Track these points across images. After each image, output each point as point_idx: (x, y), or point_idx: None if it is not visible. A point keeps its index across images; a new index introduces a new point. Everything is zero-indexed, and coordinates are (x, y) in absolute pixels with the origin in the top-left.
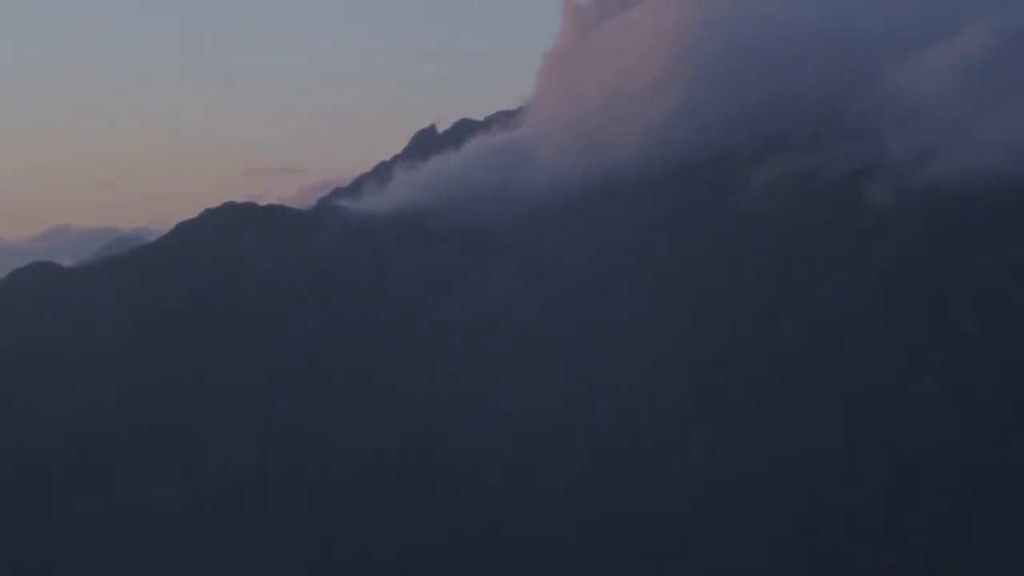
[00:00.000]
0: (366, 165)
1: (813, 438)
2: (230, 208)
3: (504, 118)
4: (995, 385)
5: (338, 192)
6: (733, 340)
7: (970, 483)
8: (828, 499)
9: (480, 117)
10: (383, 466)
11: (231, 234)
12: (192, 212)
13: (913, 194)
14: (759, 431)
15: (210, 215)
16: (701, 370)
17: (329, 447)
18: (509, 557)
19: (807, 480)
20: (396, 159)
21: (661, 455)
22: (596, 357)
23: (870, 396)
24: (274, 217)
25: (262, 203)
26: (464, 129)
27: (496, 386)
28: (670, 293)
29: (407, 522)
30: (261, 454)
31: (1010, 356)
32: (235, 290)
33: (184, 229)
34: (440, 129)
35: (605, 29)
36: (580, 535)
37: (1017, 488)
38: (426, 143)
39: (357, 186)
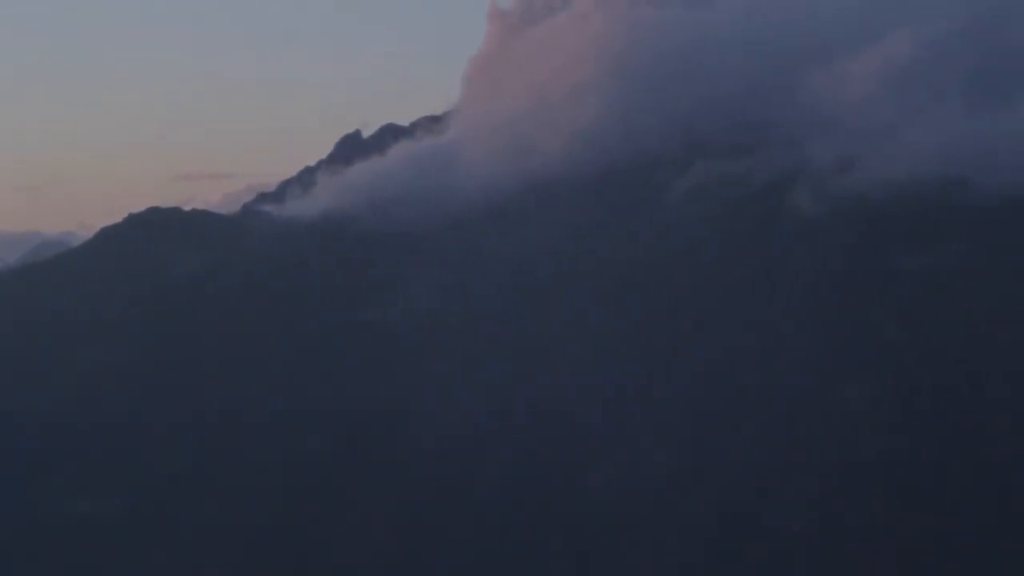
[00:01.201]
0: (291, 170)
1: (738, 443)
2: (155, 213)
3: (429, 123)
4: (919, 390)
5: (263, 197)
6: (658, 345)
7: (895, 486)
8: (753, 503)
9: (406, 122)
10: (311, 470)
11: (155, 239)
12: (117, 217)
13: (836, 200)
14: (684, 436)
15: (135, 220)
16: (626, 375)
17: (259, 452)
18: (438, 560)
19: (732, 485)
20: (321, 164)
21: (587, 459)
22: (522, 361)
23: (795, 401)
24: (198, 222)
25: (187, 208)
26: (389, 134)
27: (422, 391)
28: (596, 298)
29: (339, 526)
30: (192, 461)
31: (934, 361)
32: (159, 295)
33: (108, 234)
34: (365, 134)
35: (530, 34)
36: (507, 538)
37: (941, 490)
38: (351, 148)
39: (282, 191)
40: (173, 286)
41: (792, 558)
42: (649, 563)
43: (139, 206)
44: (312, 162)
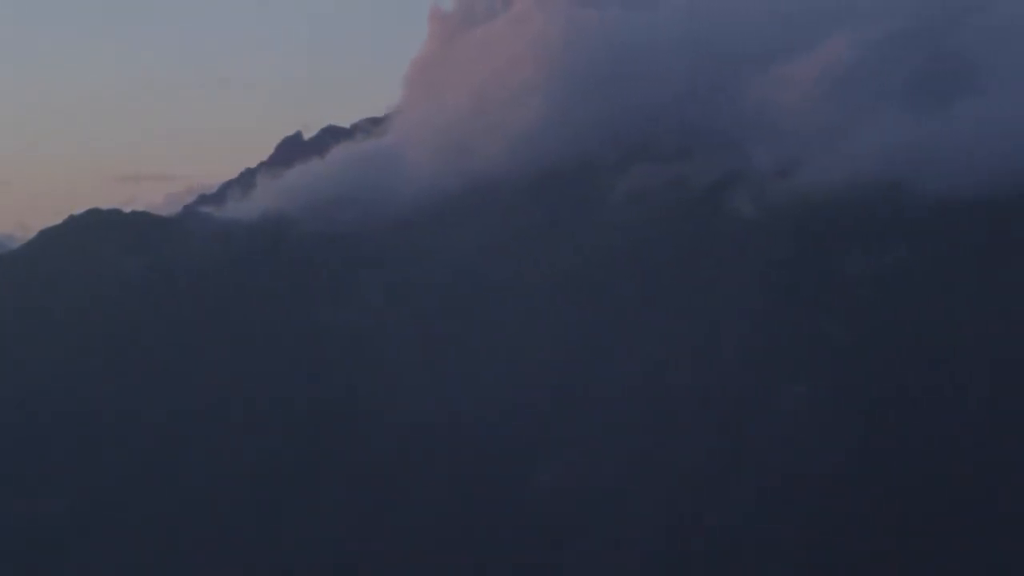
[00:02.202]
0: (233, 172)
1: (681, 444)
2: (95, 214)
3: (370, 125)
4: (860, 390)
5: (204, 199)
6: (601, 346)
7: (838, 487)
8: (697, 505)
9: (347, 124)
10: (257, 471)
11: (96, 241)
12: (57, 219)
13: (777, 204)
14: (629, 437)
15: (74, 222)
16: (570, 375)
17: (203, 453)
18: (385, 560)
19: (675, 487)
20: (261, 166)
21: (534, 460)
22: (462, 363)
23: (737, 402)
24: (139, 224)
25: (127, 210)
26: (330, 136)
27: (362, 393)
28: (536, 299)
29: (287, 526)
30: (131, 464)
31: (875, 362)
32: (99, 297)
33: (48, 236)
34: (306, 136)
35: (471, 36)
36: (456, 537)
37: (884, 490)
38: (292, 150)
39: (222, 193)
40: (114, 288)
41: (736, 558)
42: (594, 563)
43: (79, 207)
44: (253, 164)
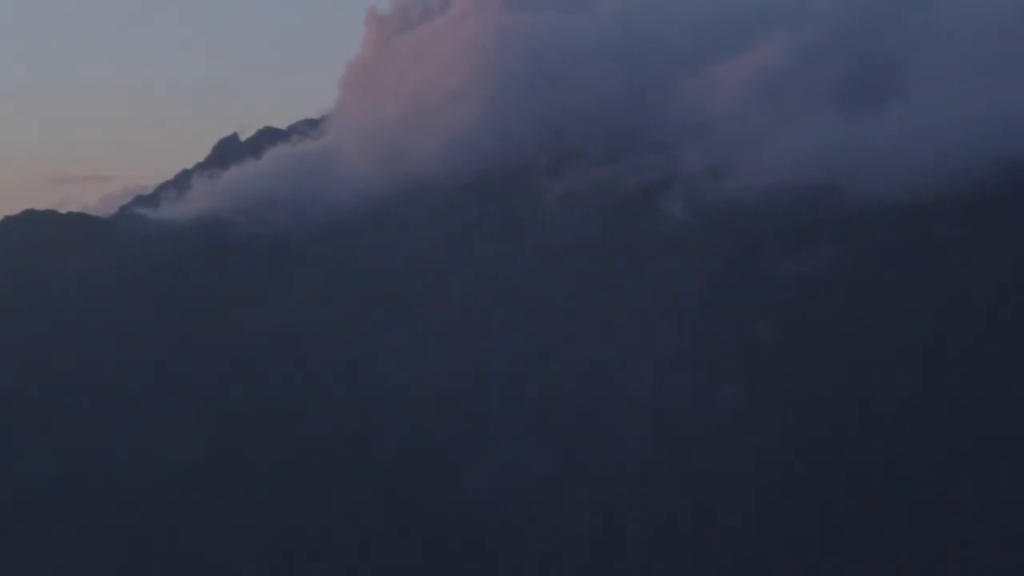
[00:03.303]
0: (171, 173)
1: (613, 446)
2: (30, 215)
3: (306, 127)
4: (792, 391)
5: (140, 200)
6: (533, 348)
7: (768, 490)
8: (628, 507)
9: (283, 126)
10: (182, 472)
11: (31, 242)
12: None
13: (709, 206)
14: (560, 439)
15: (9, 223)
16: (502, 377)
17: (130, 455)
18: (311, 563)
19: (606, 488)
20: (197, 167)
21: (464, 462)
22: (395, 365)
23: (669, 403)
24: (74, 225)
25: (63, 211)
26: (266, 137)
27: (294, 395)
28: (469, 302)
29: (209, 529)
30: (61, 465)
31: (806, 363)
32: (33, 298)
33: None
34: (243, 137)
35: (408, 39)
36: (384, 539)
37: (813, 491)
38: (228, 151)
39: (158, 194)
40: (48, 289)
41: (666, 558)
42: (523, 564)
43: (14, 208)
44: (190, 165)
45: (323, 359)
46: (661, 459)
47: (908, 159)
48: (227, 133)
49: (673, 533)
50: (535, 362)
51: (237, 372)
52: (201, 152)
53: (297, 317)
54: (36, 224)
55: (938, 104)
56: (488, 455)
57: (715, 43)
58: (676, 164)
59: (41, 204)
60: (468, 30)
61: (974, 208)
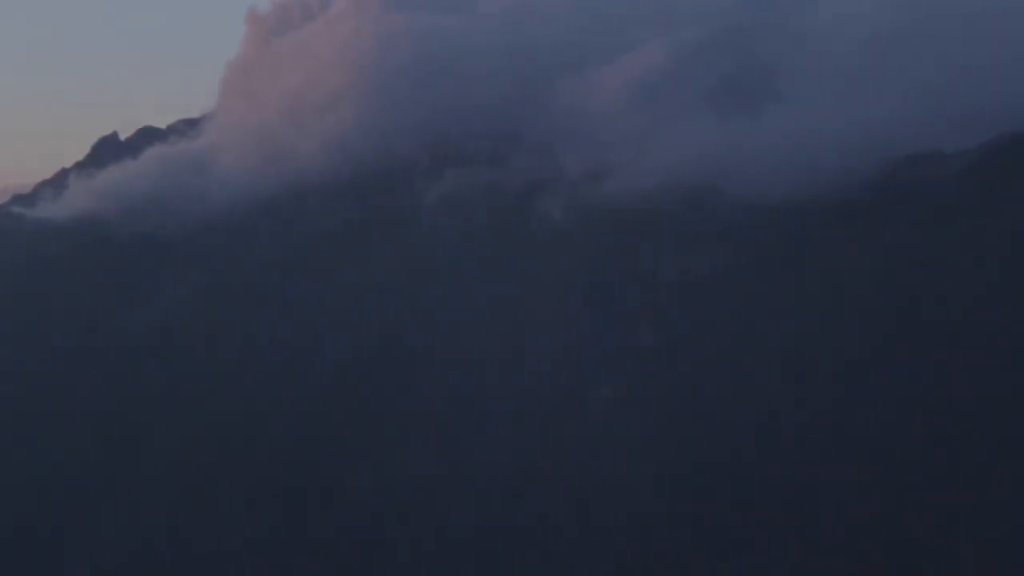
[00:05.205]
0: (48, 172)
1: (491, 446)
2: None
3: (185, 127)
4: (673, 395)
5: (17, 199)
6: (411, 349)
7: (647, 490)
8: (506, 507)
9: (163, 125)
10: (63, 472)
11: None
12: None
13: (588, 208)
14: (439, 440)
15: None
16: (381, 379)
17: (3, 458)
18: (191, 567)
19: (485, 489)
20: (76, 166)
21: (348, 464)
22: (276, 366)
23: (547, 404)
24: None
25: None
26: (146, 137)
27: (172, 395)
28: (349, 303)
29: (90, 531)
30: None
31: (686, 365)
32: None
33: None
34: (123, 136)
35: (288, 38)
36: (267, 546)
37: (690, 491)
38: (107, 150)
39: (36, 193)
40: None
41: (545, 559)
42: (406, 567)
43: None
44: (68, 164)
45: (204, 358)
46: (540, 459)
47: (785, 161)
48: (106, 132)
49: (551, 533)
50: (415, 362)
51: (117, 372)
52: (80, 151)
53: (177, 316)
54: None
55: (814, 107)
56: (365, 457)
57: (595, 45)
58: (555, 167)
59: None
60: (349, 30)
61: (849, 210)
